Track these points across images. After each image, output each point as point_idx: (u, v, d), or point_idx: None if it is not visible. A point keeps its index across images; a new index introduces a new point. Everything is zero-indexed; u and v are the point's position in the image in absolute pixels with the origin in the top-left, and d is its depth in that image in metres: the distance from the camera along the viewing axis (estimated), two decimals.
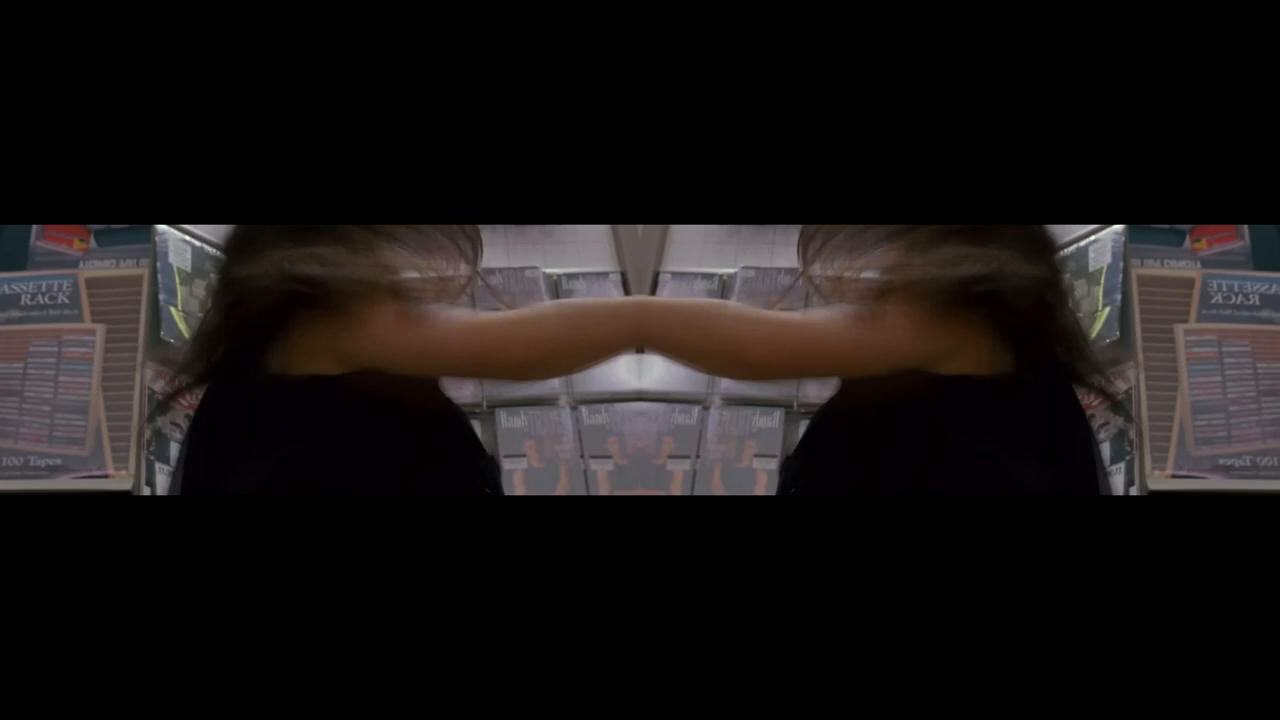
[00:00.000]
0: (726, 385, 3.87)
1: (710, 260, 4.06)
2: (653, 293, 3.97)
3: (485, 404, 3.90)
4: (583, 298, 3.97)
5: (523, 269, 4.09)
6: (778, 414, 3.83)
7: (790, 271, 4.02)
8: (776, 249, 4.04)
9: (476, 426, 3.76)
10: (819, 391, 3.51)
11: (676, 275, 4.02)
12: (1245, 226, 3.92)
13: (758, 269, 4.03)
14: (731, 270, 4.03)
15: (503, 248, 4.13)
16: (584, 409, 3.89)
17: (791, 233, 4.15)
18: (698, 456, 3.82)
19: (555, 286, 4.04)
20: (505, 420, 3.90)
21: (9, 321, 3.86)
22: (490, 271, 4.04)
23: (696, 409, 3.85)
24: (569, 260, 4.10)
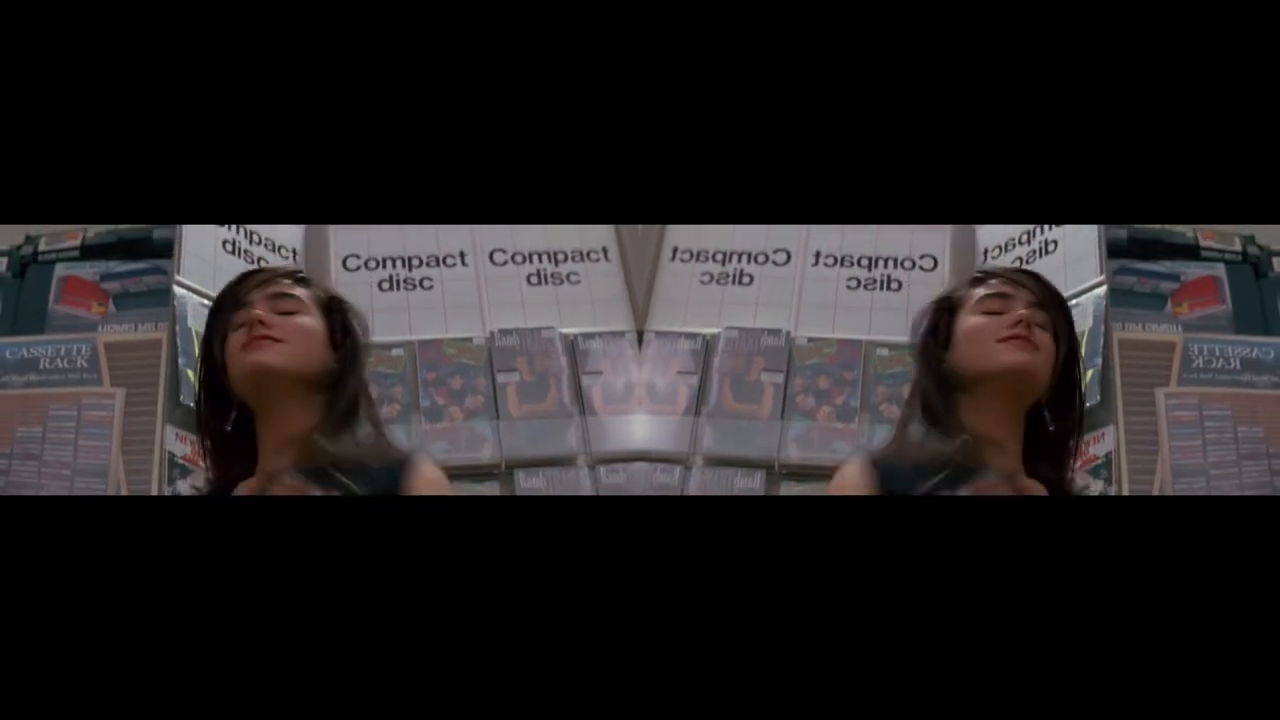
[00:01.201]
0: (708, 445, 3.87)
1: (695, 320, 4.06)
2: (639, 349, 3.97)
3: (504, 465, 3.89)
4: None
5: (539, 329, 4.08)
6: (759, 475, 3.82)
7: (773, 332, 4.05)
8: (760, 310, 4.05)
9: (494, 487, 3.78)
10: (800, 453, 3.53)
11: (661, 334, 4.02)
12: (1227, 290, 3.94)
13: (741, 329, 4.04)
14: (715, 330, 4.03)
15: (518, 308, 4.13)
16: (601, 469, 3.88)
17: (777, 294, 4.13)
18: None
19: (572, 346, 4.03)
20: (524, 481, 3.88)
21: (28, 385, 3.87)
22: (507, 332, 4.05)
23: (678, 468, 3.84)
24: (584, 320, 4.09)
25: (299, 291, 2.03)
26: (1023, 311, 1.97)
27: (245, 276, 2.06)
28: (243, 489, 1.95)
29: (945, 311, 2.04)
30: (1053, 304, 2.02)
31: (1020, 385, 1.96)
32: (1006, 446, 1.96)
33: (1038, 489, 1.94)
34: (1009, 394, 1.96)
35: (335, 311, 2.04)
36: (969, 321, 2.00)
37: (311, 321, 2.00)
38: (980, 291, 2.02)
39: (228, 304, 2.01)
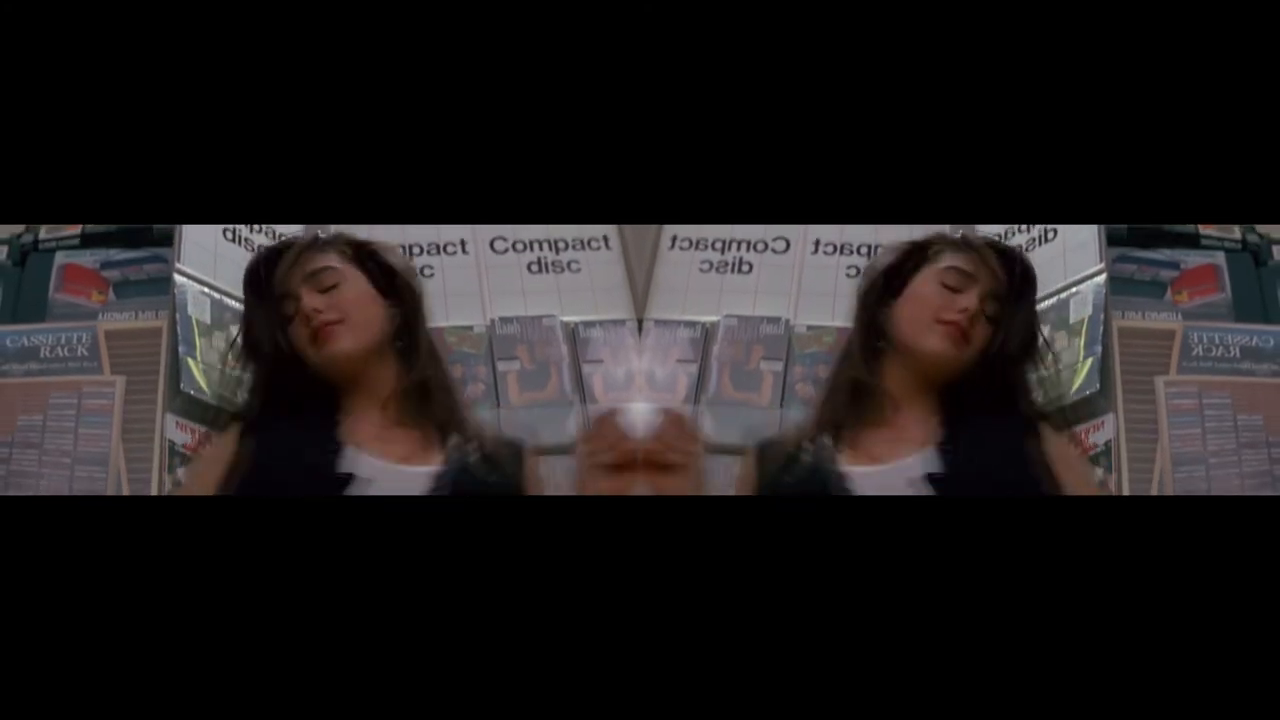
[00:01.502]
0: (707, 433, 3.87)
1: (694, 308, 4.06)
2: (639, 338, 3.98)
3: None
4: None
5: (539, 317, 4.08)
6: None
7: (773, 320, 4.05)
8: (760, 298, 4.05)
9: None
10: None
11: (660, 323, 4.02)
12: (1227, 278, 3.94)
13: (740, 317, 4.04)
14: (715, 318, 4.03)
15: (519, 296, 4.13)
16: None
17: (776, 282, 4.12)
18: None
19: (572, 334, 4.03)
20: None
21: (28, 374, 3.88)
22: (508, 320, 4.05)
23: None
24: (585, 308, 4.09)
25: (331, 259, 2.00)
26: (972, 302, 1.97)
27: (274, 259, 2.01)
28: (355, 453, 1.93)
29: (910, 263, 2.04)
30: (1011, 295, 2.00)
31: (936, 370, 1.98)
32: (915, 409, 1.99)
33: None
34: (924, 371, 1.99)
35: (370, 260, 2.03)
36: (922, 289, 2.01)
37: (358, 286, 1.99)
38: (948, 260, 2.01)
39: (270, 292, 1.99)
